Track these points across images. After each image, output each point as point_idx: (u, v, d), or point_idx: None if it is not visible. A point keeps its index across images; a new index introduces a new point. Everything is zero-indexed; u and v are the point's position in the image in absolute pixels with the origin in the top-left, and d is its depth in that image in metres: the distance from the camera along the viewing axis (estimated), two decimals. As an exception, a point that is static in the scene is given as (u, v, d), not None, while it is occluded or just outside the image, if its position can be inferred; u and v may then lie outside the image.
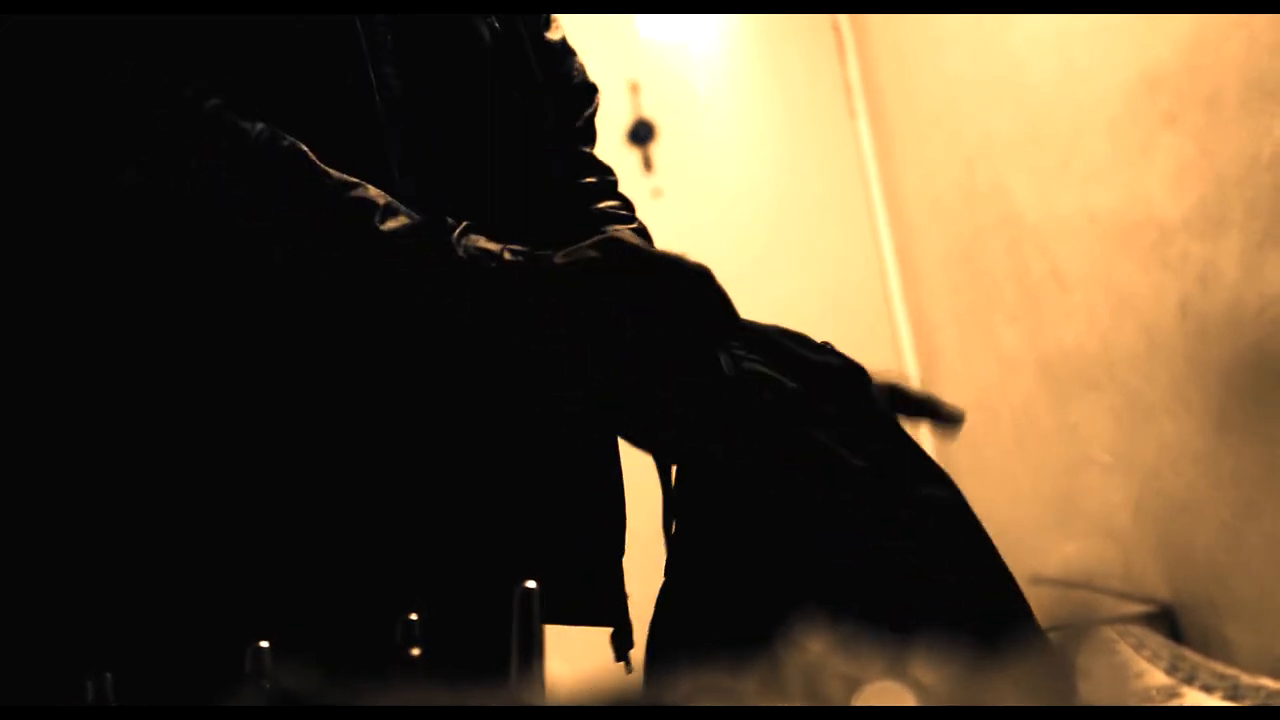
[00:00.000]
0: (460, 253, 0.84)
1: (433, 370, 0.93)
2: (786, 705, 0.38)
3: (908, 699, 0.37)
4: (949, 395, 3.28)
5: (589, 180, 1.26)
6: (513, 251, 0.86)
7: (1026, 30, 2.44)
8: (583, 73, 1.29)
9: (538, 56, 1.18)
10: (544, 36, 1.23)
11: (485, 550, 0.98)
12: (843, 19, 3.32)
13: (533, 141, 1.14)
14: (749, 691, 0.40)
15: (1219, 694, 1.90)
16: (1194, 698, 1.91)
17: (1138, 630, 2.16)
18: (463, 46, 1.08)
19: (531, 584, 0.52)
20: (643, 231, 1.25)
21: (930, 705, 0.38)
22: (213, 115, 0.86)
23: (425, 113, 1.01)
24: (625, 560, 1.16)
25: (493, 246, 0.86)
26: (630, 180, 3.19)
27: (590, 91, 1.30)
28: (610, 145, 3.16)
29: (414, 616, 0.50)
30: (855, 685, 0.39)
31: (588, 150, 1.28)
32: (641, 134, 3.20)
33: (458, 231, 0.85)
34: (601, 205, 1.26)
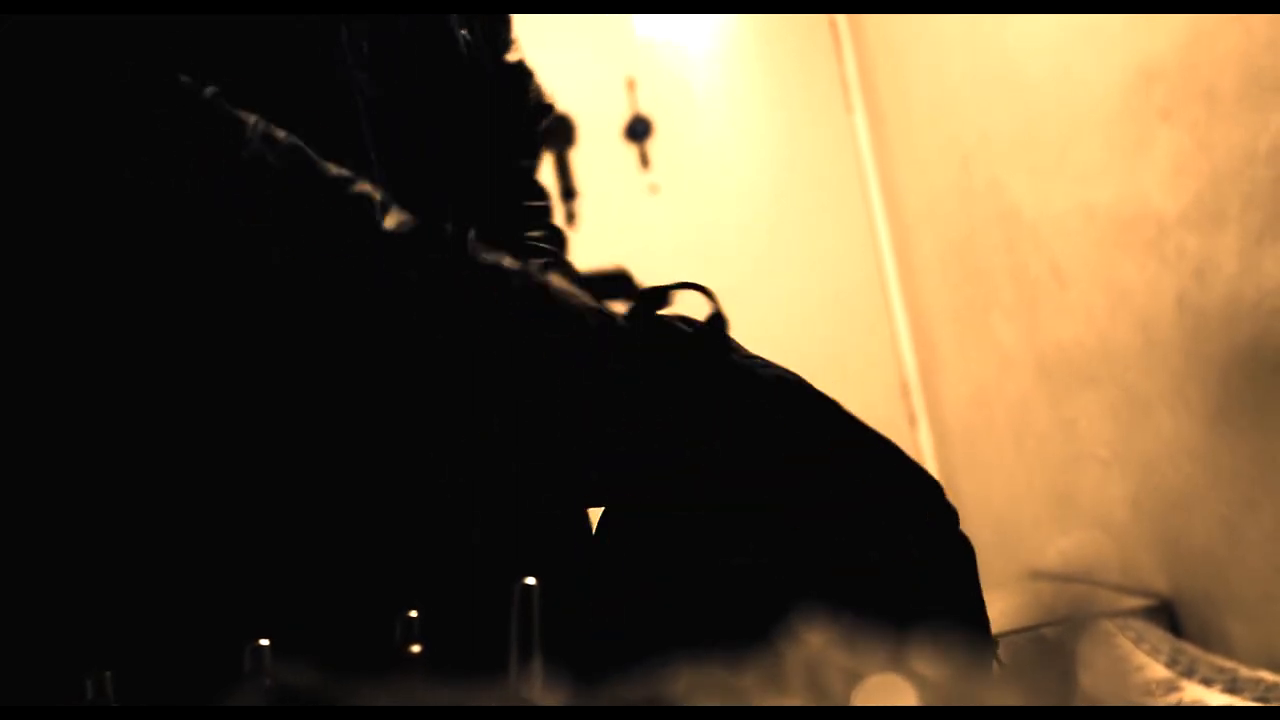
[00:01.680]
0: (478, 263, 0.86)
1: (429, 371, 0.93)
2: (784, 705, 0.38)
3: (907, 697, 0.38)
4: (947, 392, 3.30)
5: (525, 204, 1.27)
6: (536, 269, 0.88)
7: (1023, 27, 2.44)
8: (539, 93, 1.31)
9: (499, 78, 1.20)
10: (504, 59, 1.25)
11: (481, 549, 0.98)
12: (839, 15, 3.32)
13: (488, 157, 1.16)
14: (748, 687, 0.40)
15: (1218, 687, 1.90)
16: (1193, 691, 1.91)
17: (1137, 624, 2.16)
18: (436, 59, 1.09)
19: (531, 580, 0.52)
20: (560, 265, 1.25)
21: (930, 705, 0.38)
22: (210, 104, 0.86)
23: (396, 118, 1.02)
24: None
25: (511, 263, 0.87)
26: (627, 176, 3.20)
27: (545, 111, 1.32)
28: (607, 141, 3.17)
29: (413, 614, 0.50)
30: (855, 680, 0.39)
31: (529, 164, 1.29)
32: (638, 130, 3.20)
33: (469, 240, 0.86)
34: (529, 235, 1.26)
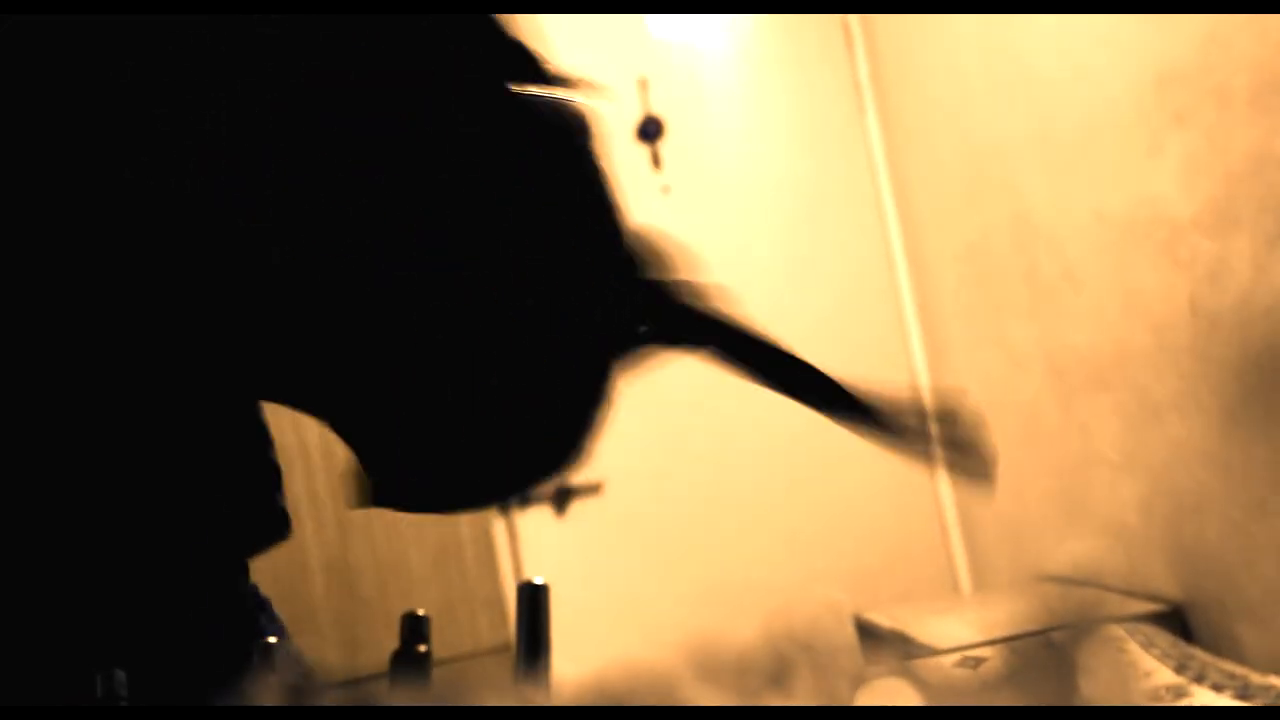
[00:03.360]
0: None
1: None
2: (784, 705, 0.38)
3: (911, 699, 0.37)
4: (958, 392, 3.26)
5: None
6: None
7: (1036, 29, 2.44)
8: None
9: None
10: None
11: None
12: (852, 16, 3.31)
13: None
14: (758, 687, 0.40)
15: (1229, 693, 1.90)
16: (1203, 696, 1.91)
17: (1146, 629, 2.16)
18: None
19: (539, 580, 0.52)
20: None
21: (930, 706, 0.38)
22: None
23: None
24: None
25: None
26: (639, 177, 3.19)
27: None
28: (619, 142, 3.16)
29: (421, 612, 0.50)
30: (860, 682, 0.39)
31: None
32: (650, 130, 3.20)
33: None
34: None
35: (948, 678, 0.40)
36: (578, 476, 3.05)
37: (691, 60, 3.26)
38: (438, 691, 0.42)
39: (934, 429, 0.85)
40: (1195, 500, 2.18)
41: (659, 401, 3.15)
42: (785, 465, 3.16)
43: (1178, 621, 2.23)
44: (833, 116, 3.31)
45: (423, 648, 0.50)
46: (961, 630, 2.40)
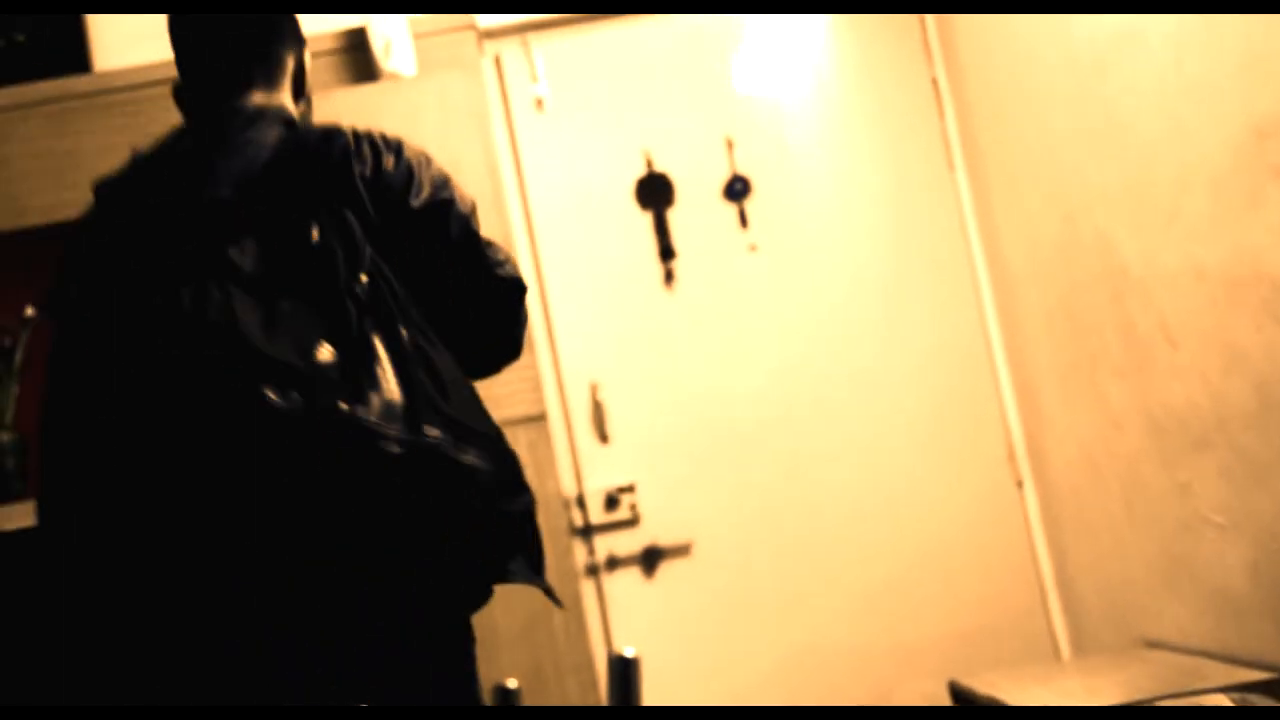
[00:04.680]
0: None
1: None
2: (785, 706, 0.37)
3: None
4: (1054, 454, 3.23)
5: None
6: None
7: (1126, 81, 2.41)
8: None
9: None
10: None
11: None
12: (939, 70, 3.29)
13: None
14: None
15: (1345, 766, 1.83)
16: (1318, 770, 1.84)
17: (1255, 698, 2.09)
18: None
19: (631, 651, 0.51)
20: None
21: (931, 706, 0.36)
22: None
23: None
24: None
25: None
26: (727, 236, 3.20)
27: None
28: (707, 201, 3.18)
29: (512, 685, 0.50)
30: None
31: None
32: (737, 190, 3.21)
33: None
34: None
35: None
36: (667, 538, 3.04)
37: (777, 118, 3.26)
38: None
39: None
40: (1305, 564, 2.11)
41: (748, 463, 3.13)
42: (877, 526, 3.12)
43: (1288, 690, 2.16)
44: (922, 172, 3.29)
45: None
46: (1061, 699, 2.34)
